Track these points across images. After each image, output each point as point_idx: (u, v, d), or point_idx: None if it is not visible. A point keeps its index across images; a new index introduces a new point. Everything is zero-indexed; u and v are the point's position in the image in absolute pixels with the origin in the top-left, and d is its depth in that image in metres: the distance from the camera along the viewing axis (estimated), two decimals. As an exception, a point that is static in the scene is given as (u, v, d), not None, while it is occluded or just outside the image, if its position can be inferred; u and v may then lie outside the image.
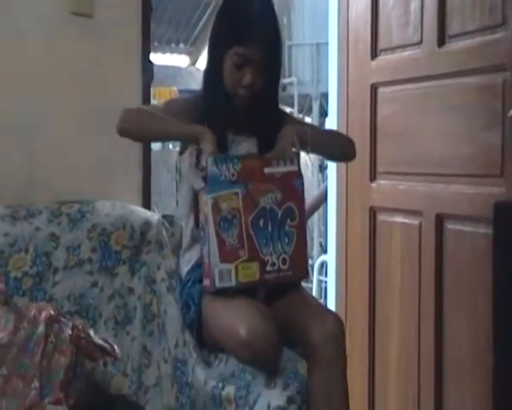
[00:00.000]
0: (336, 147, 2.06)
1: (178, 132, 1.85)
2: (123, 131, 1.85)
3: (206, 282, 1.77)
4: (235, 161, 1.73)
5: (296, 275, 1.82)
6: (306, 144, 1.87)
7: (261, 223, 1.75)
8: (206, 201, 1.72)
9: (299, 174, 1.81)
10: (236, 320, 1.66)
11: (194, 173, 1.82)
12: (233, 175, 1.72)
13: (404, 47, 2.75)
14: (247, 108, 1.91)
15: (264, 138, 1.90)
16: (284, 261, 1.77)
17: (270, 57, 1.89)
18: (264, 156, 1.79)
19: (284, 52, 7.45)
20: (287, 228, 1.78)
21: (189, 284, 1.92)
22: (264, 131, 1.92)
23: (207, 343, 1.88)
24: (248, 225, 1.73)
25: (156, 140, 1.89)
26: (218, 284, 1.71)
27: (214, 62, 1.94)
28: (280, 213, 1.77)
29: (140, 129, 1.87)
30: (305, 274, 1.88)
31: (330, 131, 2.17)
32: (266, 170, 1.77)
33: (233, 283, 1.72)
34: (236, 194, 1.72)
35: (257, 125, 1.93)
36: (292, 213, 1.79)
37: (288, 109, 7.20)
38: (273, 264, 1.76)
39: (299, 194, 1.81)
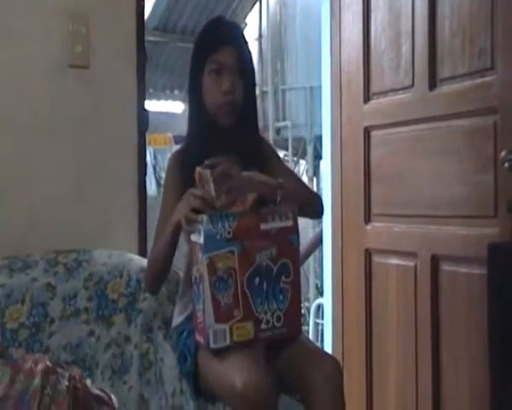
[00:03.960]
0: (306, 208, 1.97)
1: (166, 238, 1.85)
2: (151, 288, 1.99)
3: (200, 339, 1.75)
4: (231, 218, 1.70)
5: (290, 333, 1.80)
6: (275, 201, 1.83)
7: (256, 281, 1.72)
8: (201, 260, 1.69)
9: (294, 229, 1.78)
10: (232, 372, 1.64)
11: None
12: (229, 233, 1.69)
13: (395, 91, 2.78)
14: (231, 125, 1.95)
15: (246, 158, 1.90)
16: (278, 319, 1.75)
17: (243, 60, 1.96)
18: (259, 212, 1.76)
19: (278, 95, 7.55)
20: (281, 285, 1.75)
21: (185, 334, 1.91)
22: (246, 151, 1.94)
23: (204, 393, 1.87)
24: (244, 283, 1.71)
25: (167, 258, 1.91)
26: (212, 345, 1.69)
27: (193, 92, 2.01)
28: (275, 270, 1.75)
29: (154, 271, 1.94)
30: (299, 331, 1.87)
31: (302, 188, 2.12)
32: (262, 226, 1.74)
33: (227, 342, 1.70)
34: (232, 252, 1.69)
35: (239, 154, 1.93)
36: (287, 269, 1.77)
37: (282, 152, 7.25)
38: (267, 322, 1.74)
39: (294, 250, 1.79)
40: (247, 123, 1.99)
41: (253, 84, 2.06)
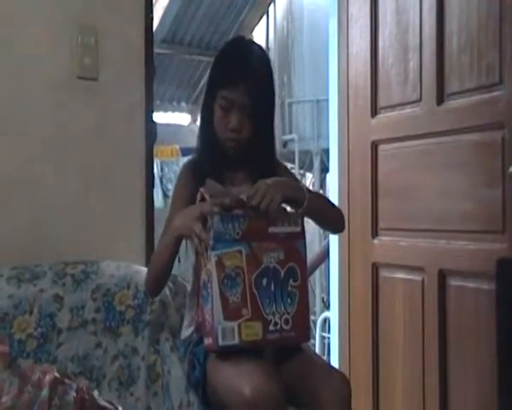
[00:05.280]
0: (330, 216, 2.00)
1: (168, 242, 1.83)
2: (149, 290, 1.94)
3: (208, 341, 1.74)
4: (241, 220, 1.71)
5: (298, 338, 1.79)
6: (303, 203, 1.82)
7: (264, 282, 1.73)
8: (210, 258, 1.70)
9: (301, 236, 1.79)
10: (241, 380, 1.63)
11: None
12: (238, 234, 1.70)
13: (403, 105, 2.79)
14: (238, 154, 1.92)
15: (258, 176, 1.87)
16: (287, 322, 1.74)
17: (255, 100, 1.88)
18: (270, 216, 1.76)
19: (285, 108, 7.56)
20: (289, 288, 1.76)
21: (194, 343, 1.90)
22: (258, 176, 1.90)
23: (212, 403, 1.86)
24: (252, 283, 1.71)
25: (167, 262, 1.90)
26: (221, 343, 1.68)
27: (205, 113, 1.97)
28: (283, 273, 1.75)
29: (152, 273, 1.90)
30: (308, 338, 1.86)
31: (325, 199, 2.15)
32: (270, 229, 1.75)
33: (236, 341, 1.69)
34: (240, 252, 1.70)
35: (250, 170, 1.94)
36: (294, 273, 1.77)
37: (288, 165, 7.24)
38: (276, 324, 1.73)
39: (301, 255, 1.79)
40: (257, 150, 1.93)
41: (271, 110, 1.99)
